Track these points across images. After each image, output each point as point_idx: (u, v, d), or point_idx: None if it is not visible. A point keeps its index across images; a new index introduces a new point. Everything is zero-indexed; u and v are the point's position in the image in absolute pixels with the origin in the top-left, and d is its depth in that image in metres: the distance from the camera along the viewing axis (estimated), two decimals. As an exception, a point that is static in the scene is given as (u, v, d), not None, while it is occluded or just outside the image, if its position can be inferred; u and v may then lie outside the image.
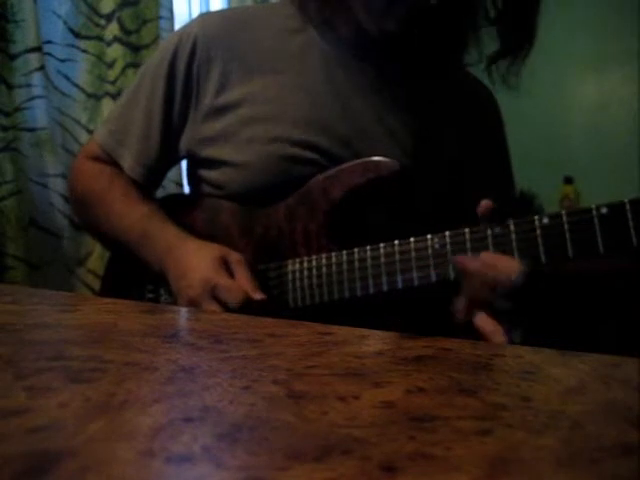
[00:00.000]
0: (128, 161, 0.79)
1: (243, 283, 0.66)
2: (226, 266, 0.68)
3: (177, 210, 0.80)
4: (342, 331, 0.40)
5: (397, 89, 0.76)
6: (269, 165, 0.72)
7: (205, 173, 0.78)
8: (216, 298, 0.65)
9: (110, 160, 0.80)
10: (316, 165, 0.72)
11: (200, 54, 0.75)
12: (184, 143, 0.78)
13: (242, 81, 0.74)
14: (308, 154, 0.72)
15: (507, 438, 0.20)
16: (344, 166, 0.70)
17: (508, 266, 0.57)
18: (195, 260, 0.68)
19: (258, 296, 0.65)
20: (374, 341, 0.38)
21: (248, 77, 0.74)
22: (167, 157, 0.80)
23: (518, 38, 0.73)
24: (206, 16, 0.83)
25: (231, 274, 0.67)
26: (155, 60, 0.79)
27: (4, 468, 0.16)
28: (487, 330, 0.56)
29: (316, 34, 0.76)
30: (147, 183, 0.81)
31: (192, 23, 0.80)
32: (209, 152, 0.76)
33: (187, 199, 0.84)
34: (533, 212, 0.78)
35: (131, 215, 0.75)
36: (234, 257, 0.69)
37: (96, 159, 0.82)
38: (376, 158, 0.69)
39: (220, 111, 0.75)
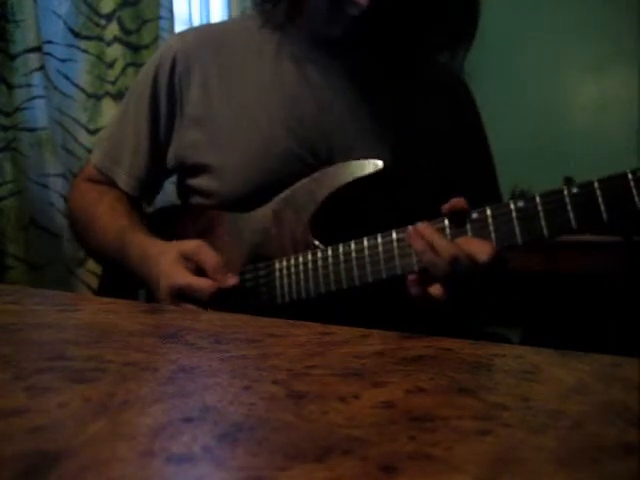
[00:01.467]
0: (122, 177, 0.82)
1: (209, 269, 0.66)
2: (189, 260, 0.68)
3: (169, 222, 0.82)
4: (342, 331, 0.40)
5: (371, 85, 0.78)
6: (254, 167, 0.74)
7: (194, 182, 0.80)
8: (189, 299, 0.66)
9: (106, 180, 0.83)
10: (300, 164, 0.73)
11: (180, 67, 0.78)
12: (172, 152, 0.80)
13: (221, 89, 0.77)
14: (291, 153, 0.74)
15: (507, 438, 0.20)
16: (328, 168, 0.72)
17: (481, 249, 0.59)
18: (158, 269, 0.69)
19: (231, 281, 0.65)
20: (374, 341, 0.38)
21: (227, 84, 0.77)
22: (157, 169, 0.82)
23: (456, 33, 0.75)
24: (184, 33, 0.87)
25: (197, 265, 0.67)
26: (140, 78, 0.83)
27: (4, 468, 0.16)
28: (435, 294, 0.59)
29: (287, 37, 0.78)
30: (141, 195, 0.84)
31: (171, 41, 0.85)
32: (196, 159, 0.78)
33: (178, 210, 0.85)
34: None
35: (113, 229, 0.77)
36: (191, 246, 0.68)
37: (92, 180, 0.85)
38: (360, 161, 0.70)
39: (203, 119, 0.77)
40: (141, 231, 0.75)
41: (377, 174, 0.70)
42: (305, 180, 0.72)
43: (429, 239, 0.60)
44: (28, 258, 1.19)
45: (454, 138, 0.81)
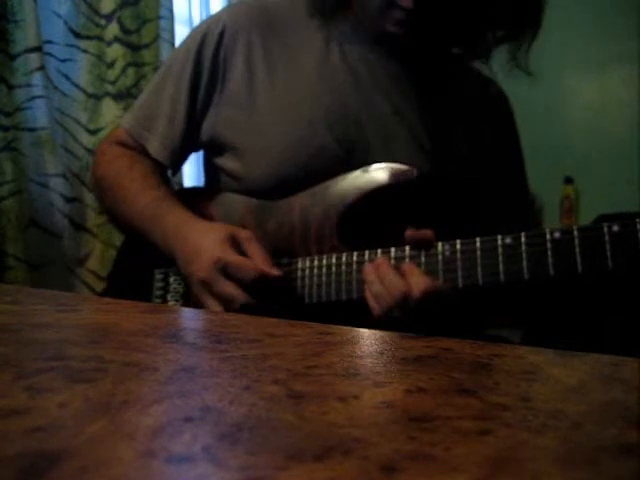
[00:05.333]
0: (154, 145, 0.81)
1: (257, 259, 0.66)
2: (236, 245, 0.68)
3: (192, 203, 0.81)
4: (342, 331, 0.40)
5: (417, 90, 0.77)
6: (289, 154, 0.73)
7: (224, 162, 0.79)
8: (229, 277, 0.66)
9: (136, 145, 0.82)
10: (334, 160, 0.72)
11: (227, 41, 0.77)
12: (207, 126, 0.79)
13: (266, 72, 0.76)
14: (328, 148, 0.73)
15: (507, 438, 0.20)
16: (361, 170, 0.71)
17: (417, 282, 0.59)
18: (203, 241, 0.68)
19: (275, 272, 0.66)
20: (374, 341, 0.38)
21: (272, 68, 0.76)
22: (190, 140, 0.82)
23: (521, 22, 0.74)
24: (235, 6, 0.85)
25: (242, 252, 0.68)
26: (183, 47, 0.82)
27: (4, 468, 0.16)
28: None
29: (336, 29, 0.77)
30: (171, 166, 0.83)
31: (221, 12, 0.83)
32: (228, 138, 0.77)
33: (202, 192, 0.85)
34: (533, 212, 0.79)
35: (146, 197, 0.77)
36: (244, 234, 0.69)
37: (121, 144, 0.84)
38: (395, 165, 0.70)
39: (242, 99, 0.76)
40: (176, 203, 0.75)
41: (411, 181, 0.69)
42: (337, 179, 0.71)
43: (382, 272, 0.61)
44: (28, 258, 1.19)
45: (492, 153, 0.80)
